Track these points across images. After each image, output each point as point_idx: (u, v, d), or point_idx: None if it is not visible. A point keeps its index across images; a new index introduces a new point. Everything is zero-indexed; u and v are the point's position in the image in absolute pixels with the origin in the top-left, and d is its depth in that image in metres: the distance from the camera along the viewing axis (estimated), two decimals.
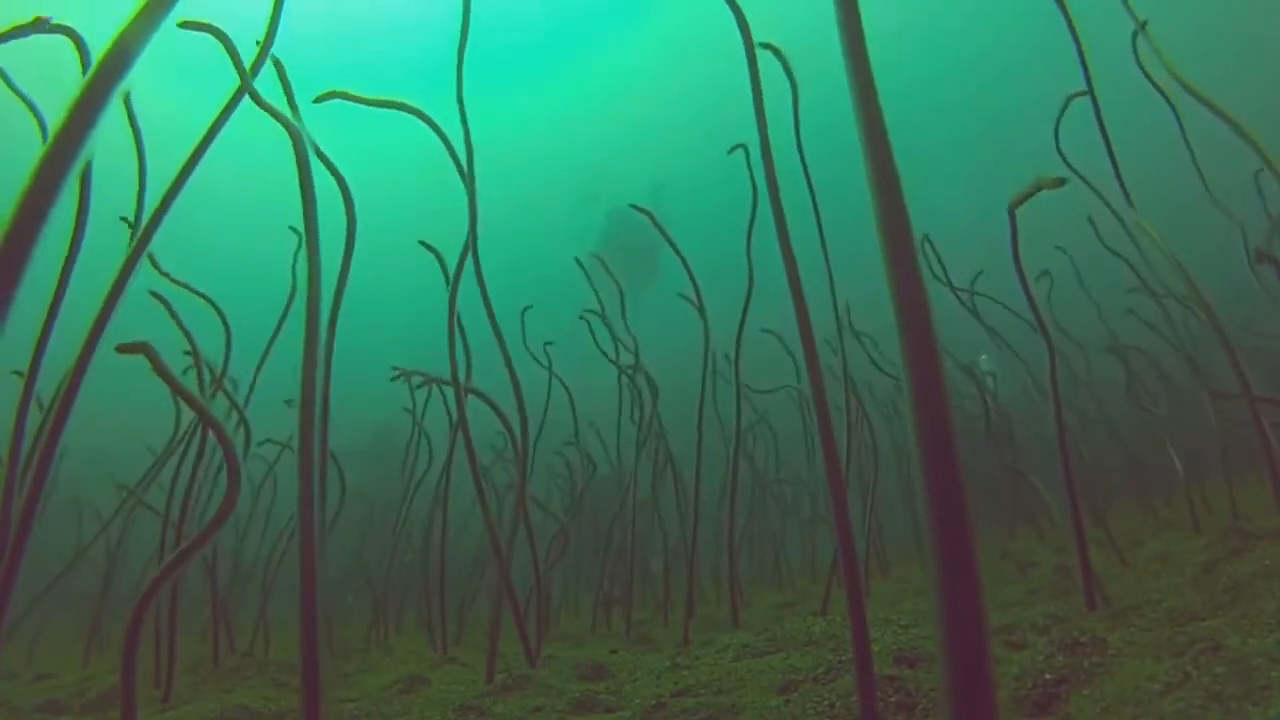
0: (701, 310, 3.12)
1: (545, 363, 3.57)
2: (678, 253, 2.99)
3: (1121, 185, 2.60)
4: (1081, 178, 2.73)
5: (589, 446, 4.37)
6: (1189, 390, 4.30)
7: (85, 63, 1.66)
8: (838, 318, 2.85)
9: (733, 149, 2.42)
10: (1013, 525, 4.63)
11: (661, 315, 3.26)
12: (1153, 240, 2.56)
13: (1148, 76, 2.67)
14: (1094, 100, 2.52)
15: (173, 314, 2.51)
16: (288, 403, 3.31)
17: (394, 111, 2.35)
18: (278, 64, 1.90)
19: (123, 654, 1.32)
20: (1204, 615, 1.78)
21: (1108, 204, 2.74)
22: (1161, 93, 2.65)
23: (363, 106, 2.17)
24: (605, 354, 3.68)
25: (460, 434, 2.64)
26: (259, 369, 3.08)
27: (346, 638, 4.04)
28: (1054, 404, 2.14)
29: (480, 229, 2.55)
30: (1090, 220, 3.13)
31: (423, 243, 2.63)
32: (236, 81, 1.70)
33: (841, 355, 2.84)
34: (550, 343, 3.56)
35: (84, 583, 4.49)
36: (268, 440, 3.87)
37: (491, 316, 2.51)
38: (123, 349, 1.11)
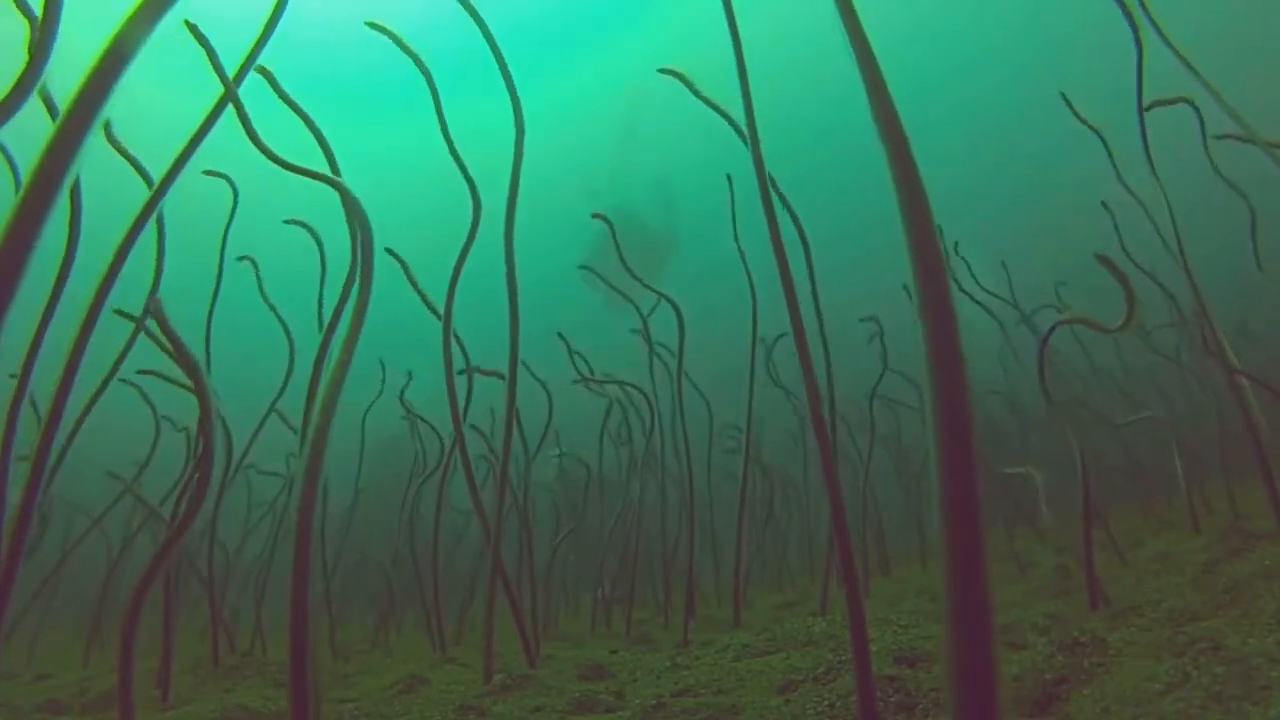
0: (681, 328, 3.15)
1: (587, 375, 3.60)
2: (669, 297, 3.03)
3: (1158, 179, 2.60)
4: (1128, 186, 2.74)
5: (592, 445, 4.38)
6: (1189, 390, 4.30)
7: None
8: (821, 323, 2.85)
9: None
10: (1013, 525, 4.63)
11: (668, 314, 3.26)
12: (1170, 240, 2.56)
13: (1196, 111, 2.67)
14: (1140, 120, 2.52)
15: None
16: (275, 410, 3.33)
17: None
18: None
19: (120, 643, 1.32)
20: (1204, 615, 1.78)
21: (1140, 202, 2.75)
22: (1198, 113, 2.64)
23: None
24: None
25: (461, 437, 2.64)
26: (280, 395, 3.11)
27: (346, 638, 4.03)
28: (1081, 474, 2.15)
29: (479, 229, 2.56)
30: (1105, 204, 3.11)
31: (388, 249, 2.63)
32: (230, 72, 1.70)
33: (825, 354, 2.84)
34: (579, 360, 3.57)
35: (84, 583, 4.49)
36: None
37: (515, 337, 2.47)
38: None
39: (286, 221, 2.72)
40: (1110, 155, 2.85)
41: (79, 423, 2.24)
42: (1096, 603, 2.03)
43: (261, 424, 3.20)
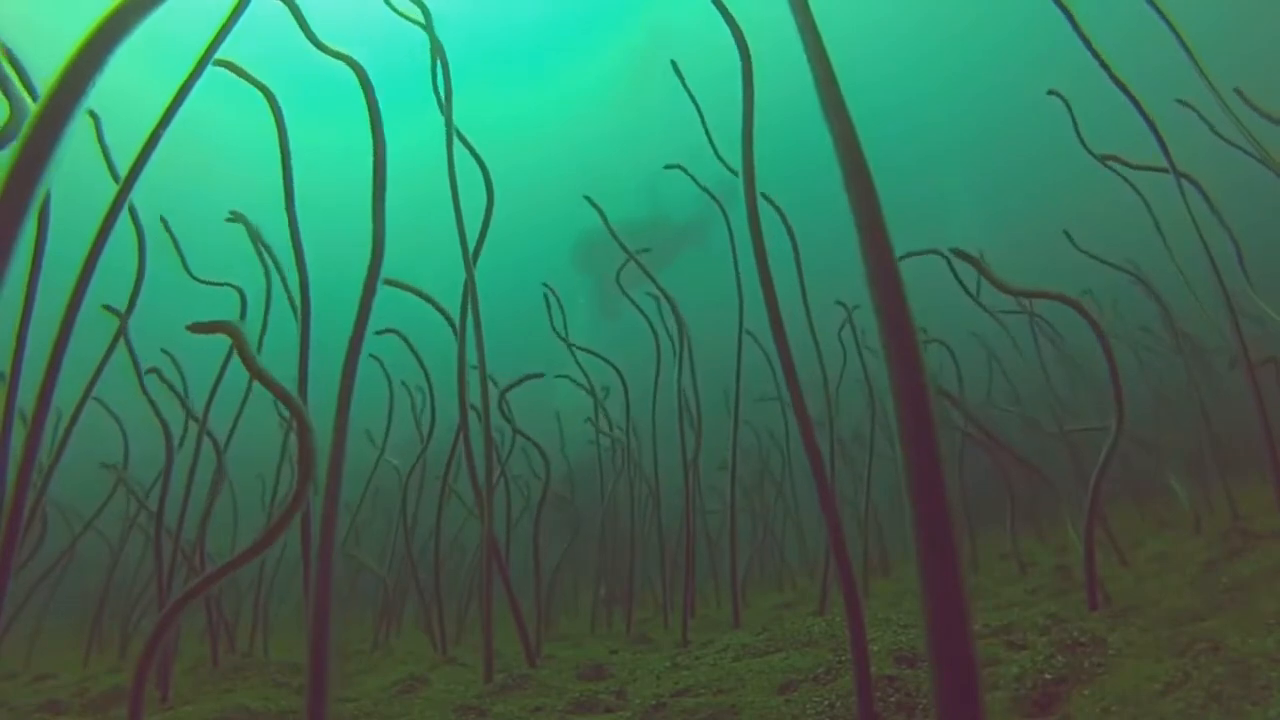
0: (680, 327, 3.16)
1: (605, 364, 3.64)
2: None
3: (1176, 175, 2.59)
4: (1140, 193, 2.75)
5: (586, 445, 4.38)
6: (1189, 390, 4.30)
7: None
8: (810, 317, 2.85)
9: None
10: (1013, 525, 4.63)
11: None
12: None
13: (1216, 132, 2.68)
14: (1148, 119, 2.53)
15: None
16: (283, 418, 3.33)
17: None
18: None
19: (137, 668, 1.32)
20: (1204, 615, 1.78)
21: (1149, 208, 2.75)
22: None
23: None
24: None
25: (464, 438, 2.65)
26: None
27: (346, 638, 4.03)
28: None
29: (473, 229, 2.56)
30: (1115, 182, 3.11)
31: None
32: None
33: (818, 357, 2.85)
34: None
35: (84, 583, 4.49)
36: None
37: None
38: (198, 329, 1.08)
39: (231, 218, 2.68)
40: (1099, 165, 2.86)
41: (69, 426, 2.23)
42: (1096, 602, 2.03)
43: (238, 418, 3.18)
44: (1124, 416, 2.03)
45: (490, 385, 2.65)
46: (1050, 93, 2.76)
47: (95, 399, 2.22)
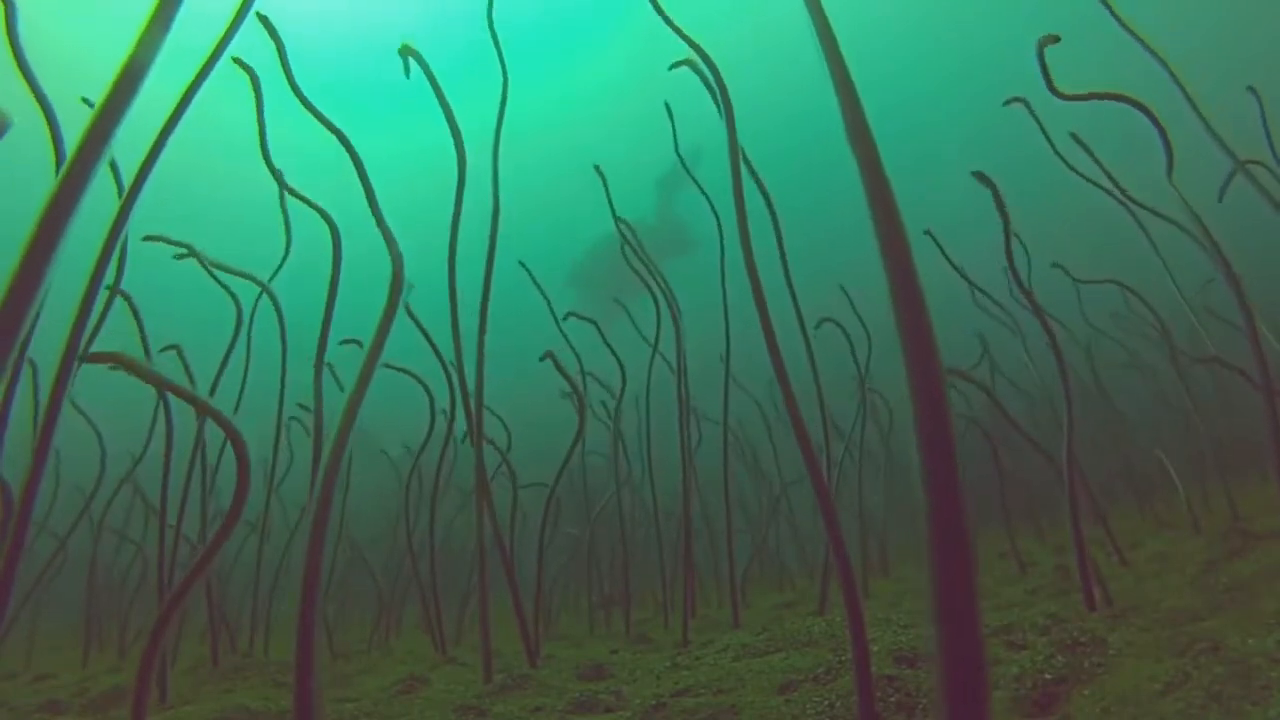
0: (679, 338, 3.17)
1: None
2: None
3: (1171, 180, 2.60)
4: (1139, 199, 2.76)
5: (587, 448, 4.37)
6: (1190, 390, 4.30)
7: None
8: (800, 317, 2.85)
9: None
10: (1013, 525, 4.63)
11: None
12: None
13: (1223, 144, 2.69)
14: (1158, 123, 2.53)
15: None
16: (301, 406, 3.34)
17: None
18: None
19: (140, 665, 1.32)
20: (1204, 615, 1.78)
21: (1130, 198, 2.75)
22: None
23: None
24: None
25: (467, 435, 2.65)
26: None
27: (346, 639, 4.03)
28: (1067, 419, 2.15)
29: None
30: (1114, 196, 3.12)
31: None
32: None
33: (810, 358, 2.85)
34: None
35: (80, 582, 4.49)
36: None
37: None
38: (96, 358, 1.06)
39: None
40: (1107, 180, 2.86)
41: (52, 418, 2.21)
42: (1092, 598, 2.04)
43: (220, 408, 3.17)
44: (1074, 423, 2.15)
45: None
46: (1009, 101, 2.79)
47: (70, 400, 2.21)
